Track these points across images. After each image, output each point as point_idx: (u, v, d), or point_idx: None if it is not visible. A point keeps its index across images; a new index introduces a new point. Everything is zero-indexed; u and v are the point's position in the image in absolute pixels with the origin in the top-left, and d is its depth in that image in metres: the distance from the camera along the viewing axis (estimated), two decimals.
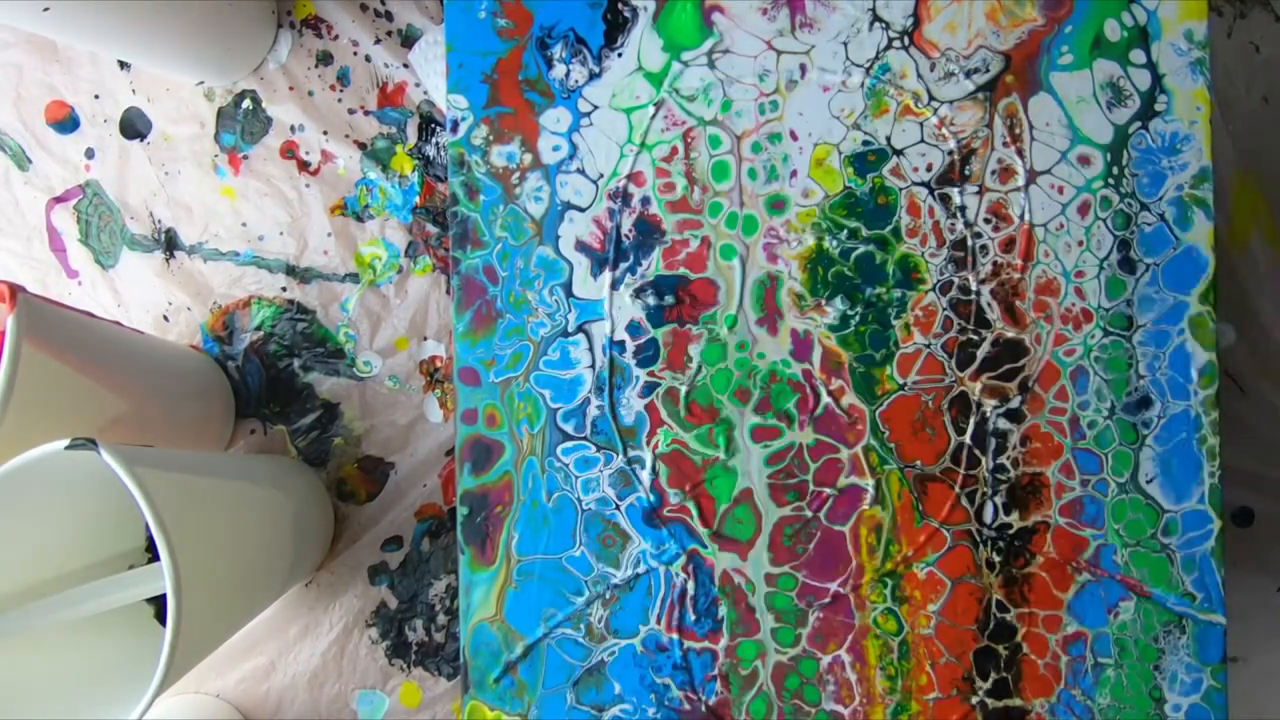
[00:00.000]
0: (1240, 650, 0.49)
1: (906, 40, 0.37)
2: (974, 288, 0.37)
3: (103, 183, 0.54)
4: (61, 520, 0.43)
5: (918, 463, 0.37)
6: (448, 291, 0.52)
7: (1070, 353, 0.36)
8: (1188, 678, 0.36)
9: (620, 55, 0.38)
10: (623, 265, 0.37)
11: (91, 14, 0.42)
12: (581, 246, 0.37)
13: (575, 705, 0.36)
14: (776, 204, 0.37)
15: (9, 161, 0.55)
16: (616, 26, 0.38)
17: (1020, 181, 0.37)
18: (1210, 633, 0.36)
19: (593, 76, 0.38)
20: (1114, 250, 0.36)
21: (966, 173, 0.37)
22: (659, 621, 0.36)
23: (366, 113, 0.53)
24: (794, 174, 0.37)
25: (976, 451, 0.36)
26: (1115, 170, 0.37)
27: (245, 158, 0.54)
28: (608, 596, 0.37)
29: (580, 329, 0.37)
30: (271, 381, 0.53)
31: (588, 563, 0.37)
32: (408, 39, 0.53)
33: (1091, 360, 0.36)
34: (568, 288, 0.37)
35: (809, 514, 0.37)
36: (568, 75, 0.38)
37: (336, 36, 0.53)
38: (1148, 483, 0.36)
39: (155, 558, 0.48)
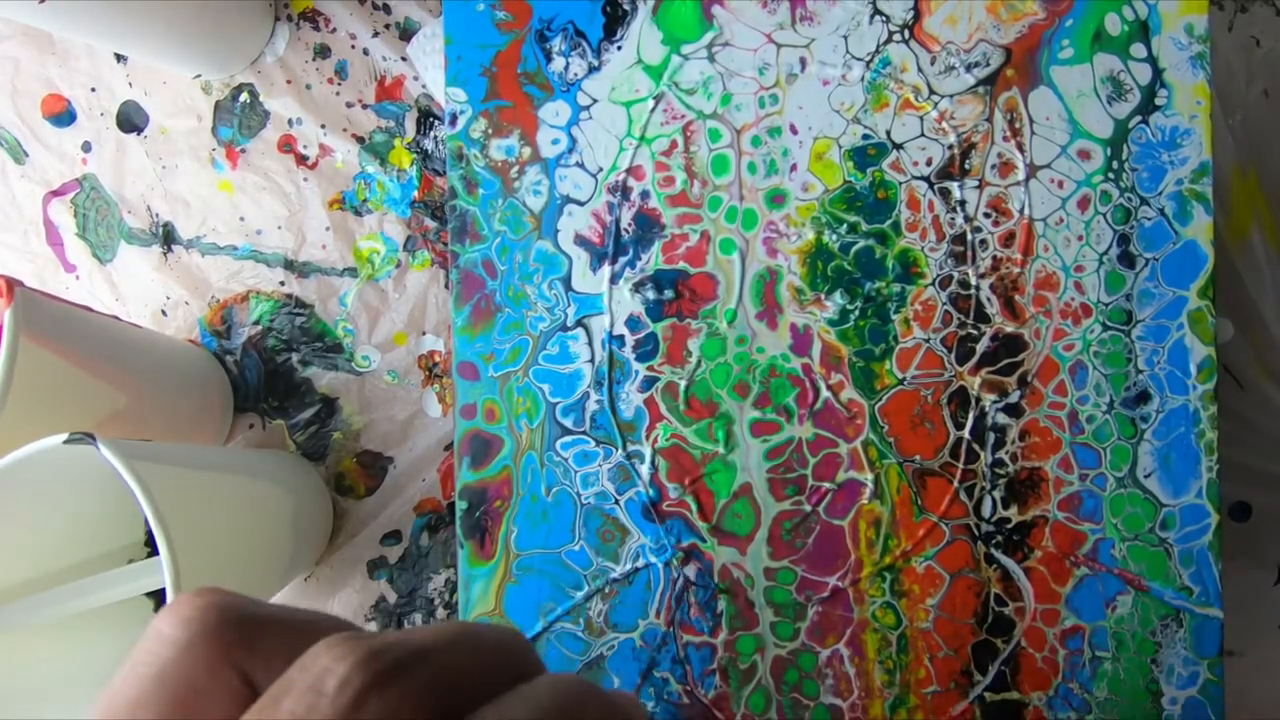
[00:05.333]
0: (1237, 644, 0.49)
1: (907, 34, 0.37)
2: (973, 282, 0.37)
3: (100, 176, 0.54)
4: (59, 515, 0.43)
5: (917, 457, 0.37)
6: (446, 286, 0.52)
7: (1069, 347, 0.36)
8: (1185, 671, 0.36)
9: (620, 48, 0.37)
10: (622, 259, 0.37)
11: (88, 6, 0.42)
12: (581, 240, 0.37)
13: None
14: (776, 198, 0.37)
15: (5, 155, 0.55)
16: (616, 19, 0.37)
17: (1020, 176, 0.37)
18: (1207, 626, 0.36)
19: (592, 70, 0.37)
20: (1113, 245, 0.36)
21: (966, 167, 0.37)
22: (658, 616, 0.37)
23: (364, 106, 0.53)
24: (794, 168, 0.37)
25: (975, 446, 0.36)
26: (1115, 165, 0.36)
27: (243, 151, 0.53)
28: (607, 591, 0.37)
29: (579, 323, 0.37)
30: (270, 376, 0.53)
31: (587, 557, 0.37)
32: (406, 32, 0.53)
33: (1090, 355, 0.36)
34: (567, 282, 0.37)
35: (808, 508, 0.37)
36: (567, 68, 0.37)
37: (334, 29, 0.53)
38: (1146, 477, 0.36)
39: (154, 552, 0.48)
